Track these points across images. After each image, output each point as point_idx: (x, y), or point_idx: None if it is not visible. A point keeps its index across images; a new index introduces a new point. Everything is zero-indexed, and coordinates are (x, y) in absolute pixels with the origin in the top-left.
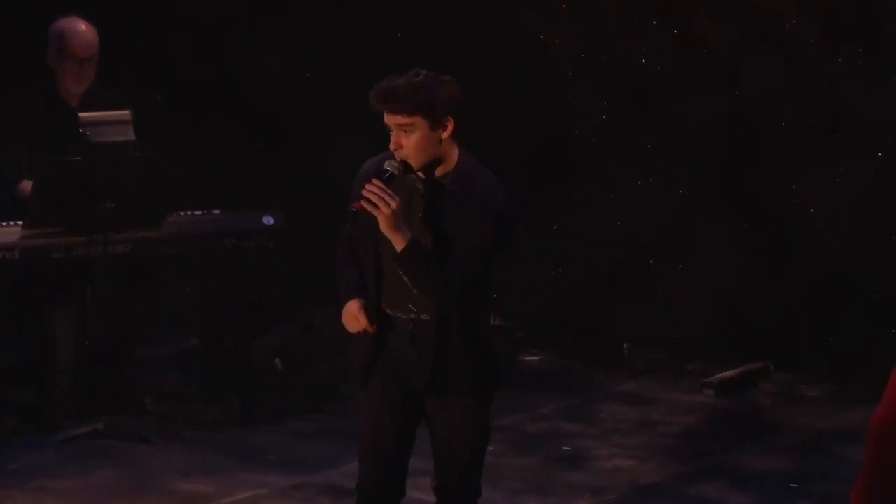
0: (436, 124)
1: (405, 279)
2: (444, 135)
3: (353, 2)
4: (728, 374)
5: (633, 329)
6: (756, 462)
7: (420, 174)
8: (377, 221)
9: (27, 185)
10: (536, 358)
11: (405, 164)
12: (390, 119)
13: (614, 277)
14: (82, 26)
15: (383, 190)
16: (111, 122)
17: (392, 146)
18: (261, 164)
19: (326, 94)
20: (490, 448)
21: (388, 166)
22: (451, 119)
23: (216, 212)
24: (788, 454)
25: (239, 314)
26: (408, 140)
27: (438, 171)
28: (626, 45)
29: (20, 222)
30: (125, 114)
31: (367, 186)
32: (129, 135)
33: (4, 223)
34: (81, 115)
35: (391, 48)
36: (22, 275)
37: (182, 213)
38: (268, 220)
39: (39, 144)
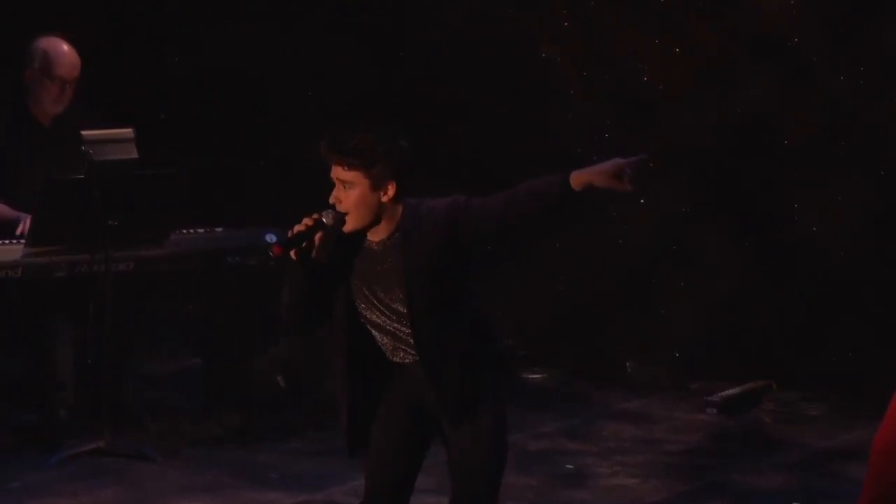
0: (376, 186)
1: None
2: (385, 198)
3: (356, 21)
4: (731, 392)
5: (635, 347)
6: (759, 480)
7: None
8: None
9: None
10: (538, 376)
11: (340, 217)
12: (334, 171)
13: (616, 295)
14: (65, 47)
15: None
16: (113, 140)
17: (331, 198)
18: (263, 181)
19: (331, 109)
20: None
21: (324, 215)
22: (394, 183)
23: (218, 229)
24: (791, 472)
25: (241, 331)
26: (346, 196)
27: (383, 232)
28: (628, 62)
29: (23, 240)
30: (128, 132)
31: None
32: (132, 153)
33: (6, 241)
34: (84, 133)
35: (395, 64)
36: (24, 292)
37: (184, 231)
38: (270, 237)
39: (13, 166)
